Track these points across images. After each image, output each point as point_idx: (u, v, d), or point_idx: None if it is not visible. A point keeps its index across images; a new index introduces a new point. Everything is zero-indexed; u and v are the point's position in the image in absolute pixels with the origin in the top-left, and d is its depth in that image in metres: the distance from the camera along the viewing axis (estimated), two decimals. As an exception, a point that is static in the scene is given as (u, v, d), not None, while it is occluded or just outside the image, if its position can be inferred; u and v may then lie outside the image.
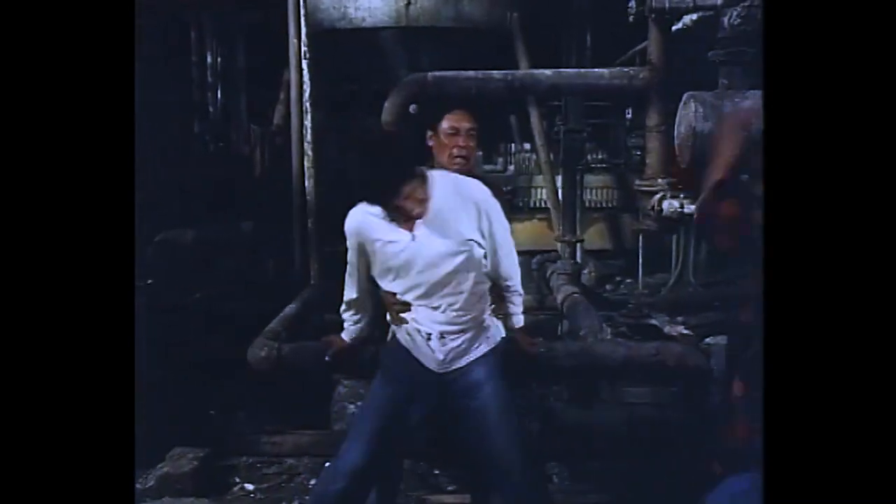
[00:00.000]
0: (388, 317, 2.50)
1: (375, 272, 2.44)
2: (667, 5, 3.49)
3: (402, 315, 2.39)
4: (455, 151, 2.67)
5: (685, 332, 3.35)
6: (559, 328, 5.03)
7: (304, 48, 4.35)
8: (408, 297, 2.38)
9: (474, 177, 2.76)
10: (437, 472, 3.55)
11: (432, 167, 2.72)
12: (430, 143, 2.74)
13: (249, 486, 3.47)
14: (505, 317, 2.55)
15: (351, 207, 2.45)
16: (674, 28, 3.95)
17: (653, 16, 3.76)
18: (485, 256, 2.40)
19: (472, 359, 2.40)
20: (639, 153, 6.35)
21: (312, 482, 3.43)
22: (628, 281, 6.21)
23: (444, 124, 2.69)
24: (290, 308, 3.91)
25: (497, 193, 2.54)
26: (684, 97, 3.06)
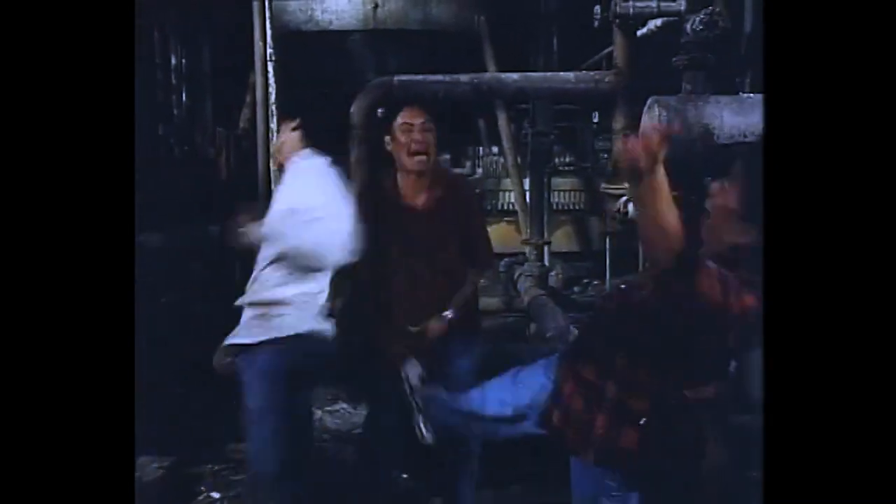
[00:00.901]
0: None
1: None
2: (631, 11, 3.53)
3: None
4: (413, 146, 2.62)
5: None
6: (527, 330, 5.06)
7: (269, 51, 4.31)
8: None
9: (442, 175, 2.75)
10: (404, 475, 3.54)
11: (396, 171, 2.72)
12: (389, 148, 2.71)
13: (216, 495, 3.42)
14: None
15: None
16: (638, 33, 4.00)
17: (618, 21, 3.81)
18: None
19: None
20: (605, 156, 6.41)
21: (280, 488, 3.40)
22: (595, 283, 6.26)
23: (398, 121, 2.67)
24: (257, 313, 3.87)
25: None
26: (648, 101, 3.10)
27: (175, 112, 5.48)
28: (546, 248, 5.87)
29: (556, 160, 6.74)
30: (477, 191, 7.23)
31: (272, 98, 4.25)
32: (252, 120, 4.80)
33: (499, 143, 6.28)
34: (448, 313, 2.70)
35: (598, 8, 3.93)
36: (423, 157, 2.64)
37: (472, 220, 2.82)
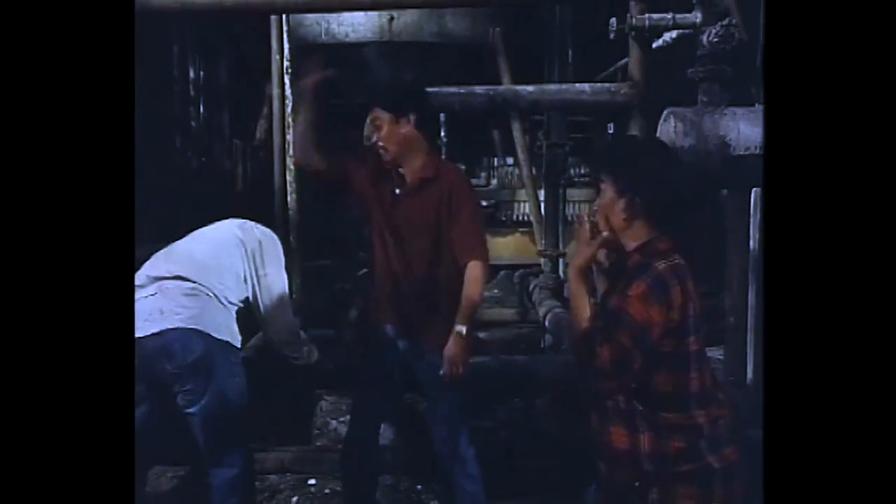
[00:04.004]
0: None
1: None
2: (647, 23, 3.53)
3: None
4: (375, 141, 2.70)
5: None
6: (542, 342, 5.04)
7: (286, 63, 4.35)
8: None
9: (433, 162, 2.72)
10: (419, 486, 3.54)
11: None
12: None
13: None
14: None
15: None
16: (654, 45, 3.99)
17: (633, 33, 3.80)
18: None
19: None
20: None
21: (294, 499, 3.40)
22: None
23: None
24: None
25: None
26: (664, 113, 3.10)
27: (193, 124, 5.54)
28: (561, 260, 5.86)
29: (571, 171, 6.72)
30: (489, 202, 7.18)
31: (289, 110, 4.29)
32: (269, 132, 4.84)
33: (514, 154, 6.28)
34: (461, 327, 2.40)
35: (613, 20, 3.93)
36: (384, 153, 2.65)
37: (461, 207, 2.55)
